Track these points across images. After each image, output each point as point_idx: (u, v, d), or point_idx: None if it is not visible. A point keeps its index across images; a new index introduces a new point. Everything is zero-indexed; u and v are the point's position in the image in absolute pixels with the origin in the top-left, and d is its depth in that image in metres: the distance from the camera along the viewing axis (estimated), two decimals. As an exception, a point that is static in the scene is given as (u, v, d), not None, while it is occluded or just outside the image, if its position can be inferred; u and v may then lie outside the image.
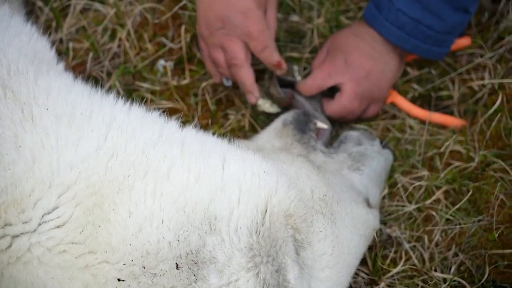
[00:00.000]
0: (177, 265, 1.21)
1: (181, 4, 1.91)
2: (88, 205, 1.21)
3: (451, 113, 1.87)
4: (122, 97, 1.42)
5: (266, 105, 1.80)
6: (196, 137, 1.39)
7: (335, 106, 1.77)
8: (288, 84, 1.81)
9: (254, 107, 1.82)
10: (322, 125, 1.75)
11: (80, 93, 1.33)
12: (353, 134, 1.74)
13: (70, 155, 1.23)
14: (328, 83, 1.77)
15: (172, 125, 1.39)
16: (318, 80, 1.77)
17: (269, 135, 1.69)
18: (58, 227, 1.20)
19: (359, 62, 1.76)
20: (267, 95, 1.79)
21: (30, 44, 1.38)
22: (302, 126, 1.69)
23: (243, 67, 1.69)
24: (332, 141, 1.78)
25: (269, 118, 1.81)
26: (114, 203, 1.22)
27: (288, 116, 1.72)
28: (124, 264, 1.21)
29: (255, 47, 1.68)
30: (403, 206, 1.73)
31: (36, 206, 1.19)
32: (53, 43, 1.92)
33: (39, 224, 1.20)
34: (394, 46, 1.78)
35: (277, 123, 1.71)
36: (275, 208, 1.29)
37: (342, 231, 1.43)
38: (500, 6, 1.89)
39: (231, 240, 1.25)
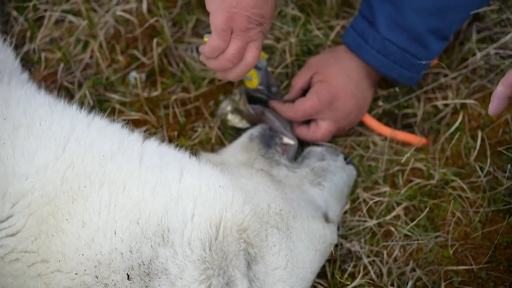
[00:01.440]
0: (128, 275, 1.24)
1: (154, 19, 1.95)
2: (42, 214, 1.24)
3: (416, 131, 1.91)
4: (92, 108, 1.46)
5: (235, 120, 1.83)
6: (157, 150, 1.42)
7: (309, 136, 1.82)
8: (259, 100, 1.84)
9: (223, 121, 1.85)
10: (289, 141, 1.78)
11: (41, 104, 1.36)
12: (317, 149, 1.77)
13: (26, 165, 1.26)
14: (311, 117, 1.82)
15: (133, 137, 1.43)
16: (298, 117, 1.81)
17: (235, 149, 1.72)
18: (11, 235, 1.23)
19: (344, 105, 1.81)
20: (237, 110, 1.82)
21: (-8, 55, 1.41)
22: (268, 140, 1.73)
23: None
24: (297, 156, 1.82)
25: (238, 132, 1.85)
26: (68, 213, 1.25)
27: (255, 130, 1.75)
28: (76, 274, 1.24)
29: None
30: (364, 221, 1.76)
31: (-11, 215, 1.22)
32: (26, 52, 1.96)
33: (-8, 233, 1.22)
34: (374, 76, 1.83)
35: (243, 138, 1.75)
36: (229, 222, 1.32)
37: (297, 246, 1.46)
38: (463, 28, 1.93)
39: (184, 253, 1.28)
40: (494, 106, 1.29)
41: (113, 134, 1.39)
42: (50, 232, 1.24)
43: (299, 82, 1.86)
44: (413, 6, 1.71)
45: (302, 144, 1.84)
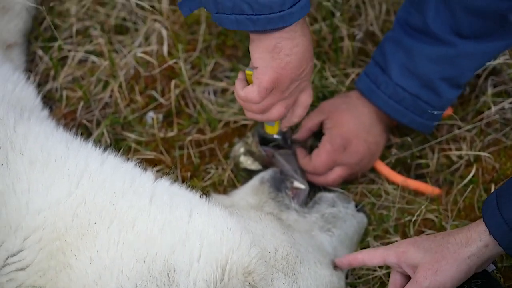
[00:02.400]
0: (133, 314, 1.25)
1: (173, 61, 2.00)
2: (51, 249, 1.26)
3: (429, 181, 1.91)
4: (109, 146, 1.49)
5: (247, 162, 1.85)
6: (168, 189, 1.44)
7: (320, 180, 1.84)
8: (270, 142, 1.86)
9: (236, 163, 1.87)
10: (299, 185, 1.79)
11: (58, 140, 1.39)
12: (328, 195, 1.78)
13: (40, 200, 1.28)
14: (330, 168, 1.83)
15: (145, 176, 1.45)
16: (319, 170, 1.83)
17: (245, 192, 1.74)
18: (20, 269, 1.25)
19: (356, 150, 1.83)
20: (249, 152, 1.84)
21: (15, 92, 1.46)
22: (278, 184, 1.74)
23: None
24: (307, 200, 1.82)
25: (250, 174, 1.86)
26: (77, 249, 1.27)
27: (265, 174, 1.77)
28: (82, 310, 1.24)
29: None
30: (374, 270, 1.75)
31: (1, 248, 1.24)
32: (49, 90, 2.02)
33: (2, 266, 1.24)
34: (387, 122, 1.85)
35: (254, 181, 1.76)
36: (235, 265, 1.33)
37: (303, 291, 1.46)
38: (479, 81, 1.94)
39: (189, 293, 1.29)
40: None
41: (125, 172, 1.41)
42: (59, 268, 1.26)
43: (309, 123, 1.88)
44: (424, 53, 1.73)
45: (314, 188, 1.85)
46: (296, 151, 1.87)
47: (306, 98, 1.65)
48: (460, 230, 1.42)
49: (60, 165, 1.33)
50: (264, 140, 1.85)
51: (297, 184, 1.79)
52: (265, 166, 1.85)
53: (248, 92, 1.55)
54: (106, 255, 1.27)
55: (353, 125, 1.83)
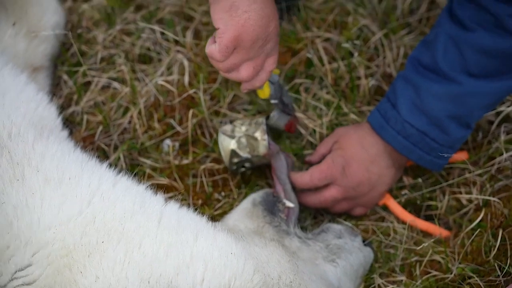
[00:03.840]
0: (134, 333, 1.27)
1: (192, 90, 2.05)
2: (59, 265, 1.30)
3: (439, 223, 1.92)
4: (124, 171, 1.54)
5: (239, 145, 1.86)
6: (176, 213, 1.48)
7: (315, 197, 1.86)
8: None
9: (224, 143, 1.87)
10: (289, 204, 1.81)
11: (73, 160, 1.44)
12: (336, 226, 1.80)
13: (51, 217, 1.32)
14: (322, 184, 1.86)
15: (155, 198, 1.49)
16: (315, 181, 1.86)
17: (239, 215, 1.76)
18: (27, 284, 1.28)
19: (354, 173, 1.85)
20: (249, 136, 1.86)
21: (37, 111, 1.52)
22: (271, 207, 1.76)
23: None
24: (313, 227, 1.84)
25: (231, 158, 1.87)
26: (83, 266, 1.30)
27: (257, 196, 1.79)
28: (84, 327, 1.27)
29: None
30: (378, 306, 1.76)
31: (10, 262, 1.28)
32: (71, 114, 2.08)
33: (10, 280, 1.28)
34: (396, 157, 1.86)
35: (246, 204, 1.78)
36: (237, 290, 1.35)
37: (305, 320, 1.47)
38: (492, 127, 1.96)
39: (190, 316, 1.31)
40: None
41: (136, 194, 1.45)
42: (64, 284, 1.29)
43: (322, 148, 1.93)
44: (432, 90, 1.76)
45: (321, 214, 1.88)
46: (290, 173, 1.89)
47: (270, 62, 1.69)
48: None
49: (73, 184, 1.38)
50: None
51: (288, 203, 1.80)
52: (253, 158, 1.86)
53: (211, 50, 1.60)
54: (111, 273, 1.30)
55: (358, 151, 1.86)
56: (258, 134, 1.85)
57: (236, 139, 1.86)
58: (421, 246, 1.81)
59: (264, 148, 1.84)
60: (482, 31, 1.69)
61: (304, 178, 1.87)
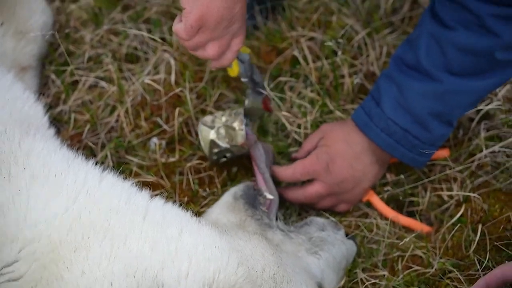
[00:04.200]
0: (119, 327, 1.30)
1: (178, 89, 2.08)
2: (45, 261, 1.32)
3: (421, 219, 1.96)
4: (111, 168, 1.56)
5: (218, 135, 1.89)
6: (161, 208, 1.50)
7: (299, 192, 1.90)
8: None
9: (204, 132, 1.91)
10: (269, 196, 1.84)
11: (60, 157, 1.46)
12: (319, 220, 1.83)
13: (37, 213, 1.35)
14: (304, 178, 1.90)
15: (141, 195, 1.51)
16: (297, 175, 1.90)
17: (221, 209, 1.78)
18: (13, 280, 1.30)
19: (339, 170, 1.89)
20: (227, 126, 1.89)
21: (24, 109, 1.54)
22: (252, 200, 1.79)
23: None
24: (296, 219, 1.88)
25: (211, 148, 1.91)
26: (69, 262, 1.32)
27: (238, 189, 1.82)
28: (70, 321, 1.30)
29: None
30: (362, 297, 1.79)
31: (-3, 258, 1.30)
32: (59, 113, 2.11)
33: (-4, 276, 1.30)
34: (379, 154, 1.90)
35: (227, 197, 1.81)
36: (221, 283, 1.38)
37: (289, 311, 1.50)
38: (472, 125, 2.00)
39: (175, 309, 1.34)
40: None
41: (122, 191, 1.48)
42: (50, 279, 1.31)
43: (308, 144, 1.96)
44: (414, 89, 1.79)
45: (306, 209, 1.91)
46: (273, 168, 1.93)
47: (237, 42, 1.73)
48: None
49: (59, 181, 1.40)
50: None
51: (268, 195, 1.83)
52: (232, 148, 1.89)
53: (177, 28, 1.64)
54: (97, 268, 1.33)
55: (342, 147, 1.89)
56: (236, 124, 1.88)
57: (215, 129, 1.90)
58: (403, 242, 1.85)
59: (241, 137, 1.87)
60: (463, 30, 1.72)
61: (287, 172, 1.91)
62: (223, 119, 1.90)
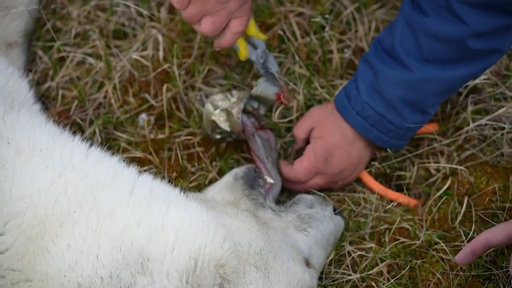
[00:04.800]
0: (105, 299, 1.31)
1: (166, 65, 2.08)
2: (31, 234, 1.33)
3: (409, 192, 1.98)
4: (99, 144, 1.57)
5: (219, 118, 1.90)
6: (149, 184, 1.51)
7: (301, 186, 1.93)
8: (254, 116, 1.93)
9: (208, 112, 1.90)
10: (270, 180, 1.85)
11: (45, 132, 1.47)
12: (307, 197, 1.85)
13: (23, 187, 1.35)
14: (307, 178, 1.92)
15: (128, 170, 1.52)
16: (300, 177, 1.91)
17: (220, 188, 1.80)
18: (0, 253, 1.31)
19: (337, 162, 1.90)
20: (227, 112, 1.88)
21: (8, 85, 1.54)
22: (252, 181, 1.81)
23: None
24: (287, 200, 1.89)
25: (213, 128, 1.92)
26: (55, 235, 1.33)
27: (239, 170, 1.84)
28: (57, 294, 1.31)
29: None
30: (349, 274, 1.81)
31: (-18, 232, 1.31)
32: (47, 89, 2.10)
33: (-18, 249, 1.31)
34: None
35: (228, 177, 1.83)
36: (207, 257, 1.39)
37: (274, 286, 1.52)
38: (460, 99, 2.01)
39: (161, 282, 1.35)
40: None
41: (109, 166, 1.48)
42: (37, 253, 1.32)
43: (301, 133, 1.96)
44: (387, 76, 1.78)
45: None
46: (280, 162, 1.94)
47: (236, 24, 1.72)
48: None
49: (45, 156, 1.41)
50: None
51: (269, 179, 1.85)
52: (232, 132, 1.89)
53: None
54: (83, 242, 1.34)
55: (337, 137, 1.89)
56: (234, 111, 1.88)
57: (218, 111, 1.89)
58: (391, 216, 1.86)
59: (238, 126, 1.87)
60: (435, 16, 1.69)
61: (290, 175, 1.92)
62: (232, 100, 1.89)
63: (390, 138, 1.86)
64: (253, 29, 1.85)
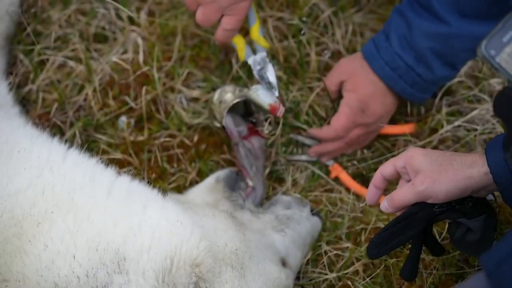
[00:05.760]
0: (82, 299, 1.33)
1: (146, 68, 2.10)
2: (8, 235, 1.34)
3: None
4: (79, 146, 1.59)
5: (216, 108, 1.89)
6: (126, 185, 1.53)
7: (340, 143, 1.98)
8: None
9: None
10: (251, 183, 1.88)
11: (24, 135, 1.49)
12: (285, 198, 1.88)
13: (1, 189, 1.37)
14: (347, 133, 1.96)
15: (106, 172, 1.54)
16: (340, 133, 1.95)
17: (201, 190, 1.83)
18: (-24, 254, 1.33)
19: (374, 111, 1.93)
20: (219, 104, 1.88)
21: (-14, 88, 1.55)
22: (233, 184, 1.83)
23: None
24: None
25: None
26: (32, 236, 1.35)
27: (222, 173, 1.87)
28: (33, 294, 1.32)
29: None
30: (325, 274, 1.84)
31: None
32: (28, 92, 2.12)
33: (-42, 250, 1.32)
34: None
35: (210, 179, 1.86)
36: (183, 256, 1.41)
37: (250, 285, 1.54)
38: (436, 101, 2.05)
39: (137, 281, 1.37)
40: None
41: (87, 168, 1.50)
42: (13, 253, 1.33)
43: (331, 86, 1.99)
44: (422, 28, 1.80)
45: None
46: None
47: (226, 21, 1.76)
48: (468, 154, 1.47)
49: (23, 157, 1.42)
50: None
51: (250, 183, 1.87)
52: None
53: None
54: (60, 242, 1.35)
55: (370, 89, 1.91)
56: (220, 112, 1.88)
57: (217, 100, 1.89)
58: (368, 217, 1.89)
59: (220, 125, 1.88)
60: None
61: (329, 132, 1.95)
62: (235, 95, 1.87)
63: (415, 91, 1.88)
64: (255, 34, 1.85)
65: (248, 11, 1.81)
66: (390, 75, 1.88)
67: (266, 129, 1.91)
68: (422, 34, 1.81)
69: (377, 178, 1.57)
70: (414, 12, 1.83)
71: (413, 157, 1.49)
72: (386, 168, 1.56)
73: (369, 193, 1.60)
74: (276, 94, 1.85)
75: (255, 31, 1.86)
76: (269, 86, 1.86)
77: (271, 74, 1.87)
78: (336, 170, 2.03)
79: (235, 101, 1.87)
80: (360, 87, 1.92)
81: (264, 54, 1.87)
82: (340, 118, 1.94)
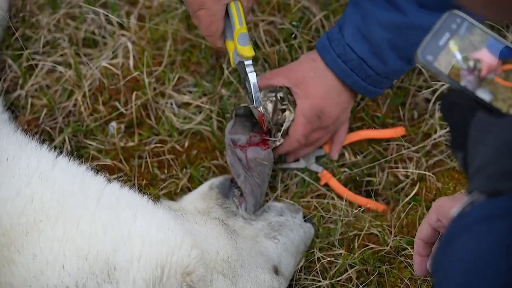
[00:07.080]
0: (71, 308, 1.31)
1: (136, 73, 2.08)
2: (-4, 245, 1.32)
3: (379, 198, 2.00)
4: (70, 153, 1.56)
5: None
6: (116, 192, 1.51)
7: (304, 151, 1.97)
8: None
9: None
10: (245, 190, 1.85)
11: (13, 142, 1.46)
12: (277, 205, 1.86)
13: (-12, 197, 1.34)
14: (307, 142, 1.94)
15: (96, 179, 1.52)
16: (301, 141, 1.91)
17: (194, 197, 1.81)
18: (-36, 265, 1.30)
19: (330, 115, 1.89)
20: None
21: (-26, 95, 1.53)
22: (227, 191, 1.81)
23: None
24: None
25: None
26: (21, 245, 1.32)
27: (216, 180, 1.84)
28: (22, 305, 1.30)
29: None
30: (319, 281, 1.82)
31: None
32: (17, 98, 2.09)
33: None
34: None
35: (204, 187, 1.84)
36: (174, 265, 1.39)
37: (243, 293, 1.53)
38: (429, 106, 2.04)
39: (128, 291, 1.35)
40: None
41: (76, 175, 1.48)
42: (2, 263, 1.31)
43: (273, 82, 1.92)
44: (378, 18, 1.74)
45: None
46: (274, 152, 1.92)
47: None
48: None
49: (11, 165, 1.40)
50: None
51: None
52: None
53: None
54: (49, 251, 1.33)
55: (323, 92, 1.86)
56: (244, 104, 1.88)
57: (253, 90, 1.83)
58: (361, 222, 1.88)
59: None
60: None
61: (292, 145, 1.91)
62: (266, 97, 1.87)
63: (368, 84, 1.84)
64: (234, 42, 1.80)
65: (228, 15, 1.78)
66: (343, 68, 1.82)
67: (272, 142, 1.89)
68: (378, 24, 1.75)
69: (418, 245, 1.46)
70: (370, 2, 1.76)
71: (442, 206, 1.40)
72: (422, 231, 1.44)
73: (416, 264, 1.47)
74: (256, 105, 1.82)
75: (234, 38, 1.80)
76: (248, 95, 1.84)
77: (249, 86, 1.82)
78: (325, 177, 2.02)
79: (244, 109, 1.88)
80: (313, 94, 1.87)
81: (248, 62, 1.81)
82: (298, 128, 1.89)
